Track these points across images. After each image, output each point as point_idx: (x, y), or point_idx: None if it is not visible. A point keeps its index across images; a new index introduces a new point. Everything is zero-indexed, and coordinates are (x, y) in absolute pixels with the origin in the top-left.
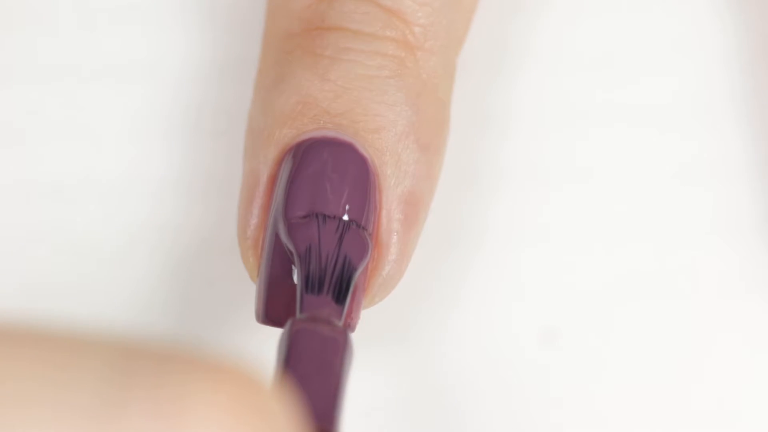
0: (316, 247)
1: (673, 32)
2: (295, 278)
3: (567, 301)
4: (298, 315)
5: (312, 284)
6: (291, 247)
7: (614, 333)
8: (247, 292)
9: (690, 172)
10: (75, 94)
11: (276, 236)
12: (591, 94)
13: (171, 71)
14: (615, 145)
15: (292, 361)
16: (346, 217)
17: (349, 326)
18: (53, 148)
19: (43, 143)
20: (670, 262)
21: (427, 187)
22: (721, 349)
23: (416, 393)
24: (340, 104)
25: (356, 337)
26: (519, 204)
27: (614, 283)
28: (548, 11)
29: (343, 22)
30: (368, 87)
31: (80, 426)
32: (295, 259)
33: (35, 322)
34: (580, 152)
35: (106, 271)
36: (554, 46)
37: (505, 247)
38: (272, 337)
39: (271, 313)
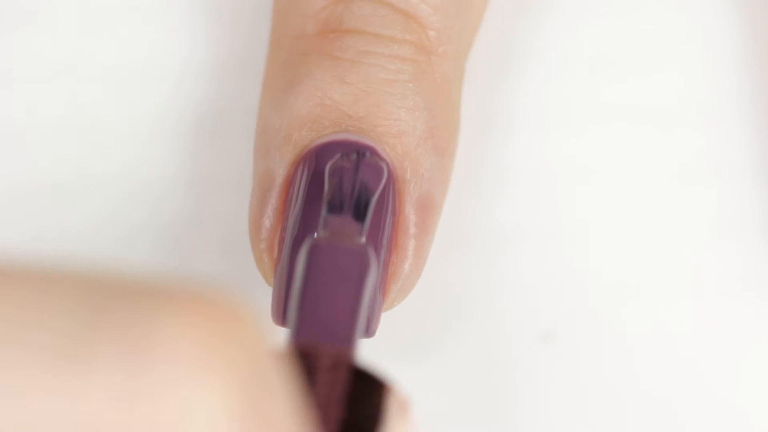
0: (338, 179)
1: (679, 32)
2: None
3: (569, 300)
4: (319, 233)
5: (333, 206)
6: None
7: (615, 333)
8: (249, 292)
9: (692, 171)
10: (75, 94)
11: (296, 238)
12: (594, 94)
13: (171, 71)
14: (619, 144)
15: (311, 273)
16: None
17: (368, 331)
18: (53, 148)
19: (43, 143)
20: (672, 262)
21: (442, 192)
22: (722, 349)
23: (417, 392)
24: (361, 108)
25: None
26: (523, 204)
27: (615, 283)
28: (553, 12)
29: (362, 25)
30: (389, 91)
31: (47, 366)
32: (325, 188)
33: (5, 261)
34: (584, 152)
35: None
36: (559, 46)
37: (509, 247)
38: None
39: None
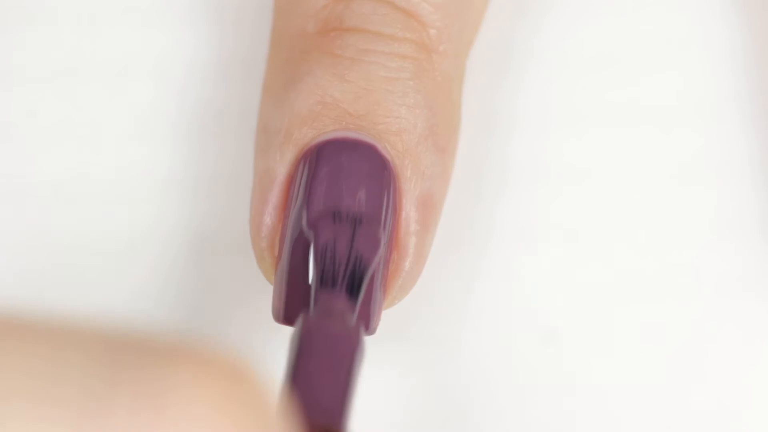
0: (331, 246)
1: (678, 32)
2: (310, 278)
3: (570, 301)
4: (311, 310)
5: (326, 280)
6: (311, 246)
7: (615, 333)
8: (250, 292)
9: (692, 171)
10: (75, 94)
11: (297, 237)
12: (594, 94)
13: (172, 71)
14: (618, 144)
15: (302, 355)
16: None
17: (369, 328)
18: (53, 149)
19: (43, 143)
20: (672, 262)
21: (442, 190)
22: (723, 349)
23: (418, 392)
24: (362, 106)
25: None
26: (523, 204)
27: (616, 283)
28: (553, 12)
29: (362, 23)
30: (389, 89)
31: (67, 420)
32: (311, 258)
33: (19, 314)
34: (584, 152)
35: (107, 271)
36: (559, 46)
37: (509, 247)
38: (278, 334)
39: (289, 313)
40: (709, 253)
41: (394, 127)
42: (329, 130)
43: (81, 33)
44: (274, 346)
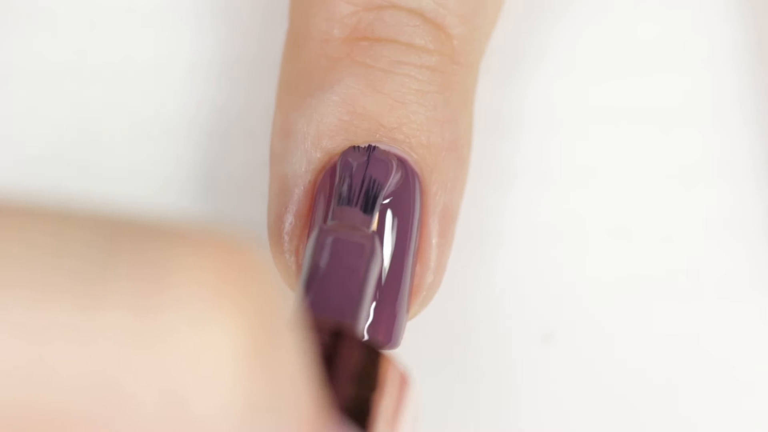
0: (348, 174)
1: (681, 34)
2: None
3: (570, 301)
4: (327, 222)
5: (342, 198)
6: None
7: (616, 334)
8: None
9: (695, 172)
10: (75, 94)
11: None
12: (597, 95)
13: (172, 71)
14: (621, 145)
15: (317, 257)
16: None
17: (392, 342)
18: (53, 149)
19: (43, 143)
20: (673, 263)
21: (460, 201)
22: (723, 349)
23: (420, 390)
24: (394, 118)
25: None
26: (528, 204)
27: (617, 283)
28: (559, 15)
29: (394, 34)
30: (420, 102)
31: (66, 287)
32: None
33: (18, 198)
34: (587, 153)
35: None
36: (565, 48)
37: (509, 247)
38: None
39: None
40: (711, 254)
41: (425, 141)
42: (362, 141)
43: (81, 33)
44: None
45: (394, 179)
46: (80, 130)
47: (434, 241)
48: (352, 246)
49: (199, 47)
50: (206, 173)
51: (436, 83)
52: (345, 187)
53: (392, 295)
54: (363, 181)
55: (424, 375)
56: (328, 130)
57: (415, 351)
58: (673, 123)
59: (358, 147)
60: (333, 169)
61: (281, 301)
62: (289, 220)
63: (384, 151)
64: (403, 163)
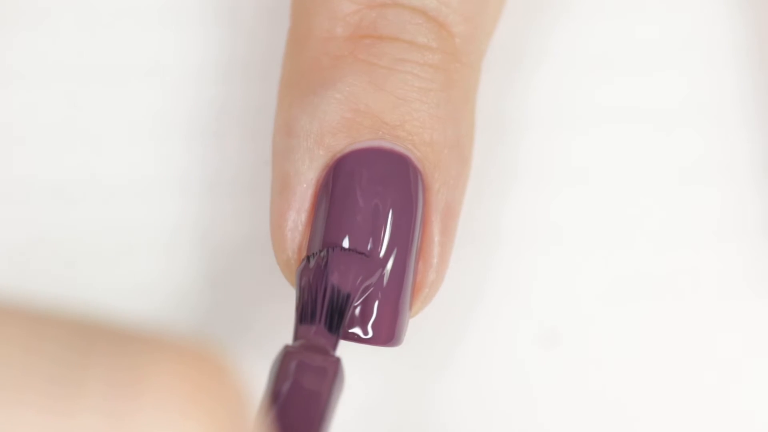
0: (309, 282)
1: (682, 34)
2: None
3: (570, 301)
4: (292, 343)
5: (305, 315)
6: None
7: (616, 334)
8: (249, 292)
9: (695, 172)
10: (75, 94)
11: (323, 244)
12: (597, 95)
13: (172, 72)
14: (621, 145)
15: (279, 387)
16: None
17: (396, 339)
18: (54, 149)
19: (43, 144)
20: (673, 263)
21: (462, 198)
22: (723, 349)
23: (418, 392)
24: (397, 116)
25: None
26: (529, 204)
27: (617, 283)
28: (559, 14)
29: (397, 32)
30: (423, 99)
31: (41, 389)
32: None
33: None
34: (587, 153)
35: (107, 271)
36: (566, 48)
37: (509, 247)
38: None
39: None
40: (711, 254)
41: (427, 138)
42: (364, 138)
43: (81, 33)
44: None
45: (368, 275)
46: (80, 130)
47: (437, 238)
48: (315, 370)
49: (200, 47)
50: (207, 173)
51: (439, 81)
52: (306, 304)
53: (395, 293)
54: (324, 293)
55: (425, 374)
56: (330, 128)
57: (415, 350)
58: (672, 123)
59: (312, 256)
60: (337, 167)
61: (250, 411)
62: (292, 217)
63: (343, 254)
64: (405, 160)
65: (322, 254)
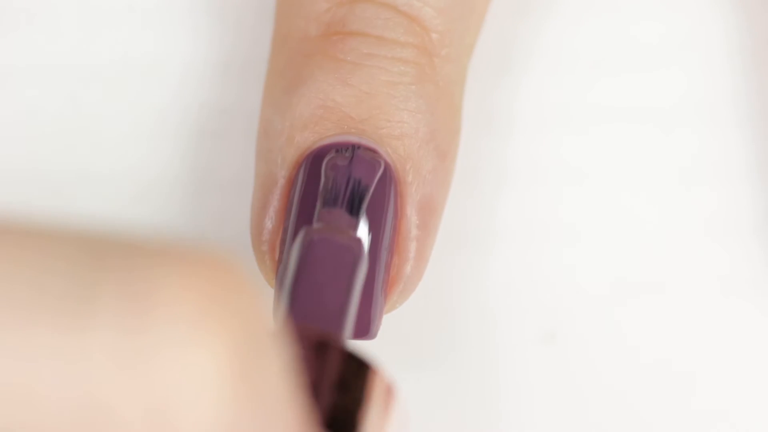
0: (332, 177)
1: (678, 33)
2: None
3: (568, 301)
4: (313, 225)
5: (327, 200)
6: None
7: (614, 334)
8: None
9: (691, 172)
10: (75, 94)
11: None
12: (593, 94)
13: (171, 71)
14: (617, 145)
15: (304, 263)
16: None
17: (370, 333)
18: (54, 149)
19: (43, 143)
20: (670, 263)
21: (443, 194)
22: (721, 349)
23: (415, 393)
24: (364, 110)
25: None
26: (522, 204)
27: (614, 283)
28: (551, 13)
29: (365, 27)
30: (391, 93)
31: (52, 306)
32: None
33: (9, 214)
34: (582, 153)
35: None
36: (558, 47)
37: (506, 247)
38: None
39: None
40: (708, 254)
41: (395, 132)
42: (331, 134)
43: (81, 33)
44: None
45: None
46: (78, 130)
47: (413, 232)
48: (339, 248)
49: (200, 47)
50: (205, 173)
51: (409, 75)
52: (330, 189)
53: (366, 286)
54: (348, 183)
55: (418, 376)
56: (300, 125)
57: (409, 352)
58: (668, 123)
59: (342, 148)
60: (306, 164)
61: (266, 318)
62: (269, 215)
63: (368, 152)
64: (367, 149)
65: (346, 153)
